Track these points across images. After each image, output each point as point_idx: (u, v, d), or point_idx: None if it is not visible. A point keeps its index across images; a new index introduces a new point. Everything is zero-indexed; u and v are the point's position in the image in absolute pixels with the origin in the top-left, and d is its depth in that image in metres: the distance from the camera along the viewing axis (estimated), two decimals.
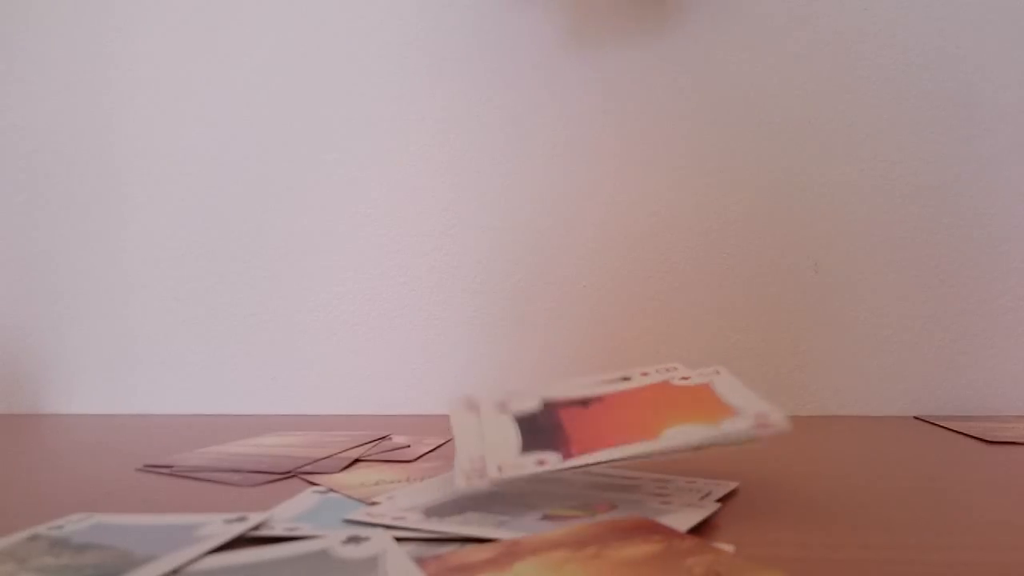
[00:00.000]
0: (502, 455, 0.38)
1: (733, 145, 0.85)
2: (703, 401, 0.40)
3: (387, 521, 0.36)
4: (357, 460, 0.54)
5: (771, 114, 0.85)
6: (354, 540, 0.31)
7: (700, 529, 0.34)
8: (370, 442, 0.62)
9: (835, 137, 0.84)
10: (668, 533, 0.31)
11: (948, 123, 0.83)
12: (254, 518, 0.35)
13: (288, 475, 0.49)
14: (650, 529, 0.32)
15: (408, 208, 0.88)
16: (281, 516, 0.37)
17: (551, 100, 0.87)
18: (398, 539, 0.32)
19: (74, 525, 0.35)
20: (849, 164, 0.84)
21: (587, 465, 0.37)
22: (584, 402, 0.44)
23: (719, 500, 0.39)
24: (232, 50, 0.91)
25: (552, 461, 0.37)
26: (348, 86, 0.90)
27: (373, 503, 0.39)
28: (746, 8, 0.86)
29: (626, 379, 0.46)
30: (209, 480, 0.49)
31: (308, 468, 0.50)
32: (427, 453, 0.58)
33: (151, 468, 0.53)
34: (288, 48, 0.91)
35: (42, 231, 0.92)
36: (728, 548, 0.30)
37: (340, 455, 0.55)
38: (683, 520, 0.34)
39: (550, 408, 0.44)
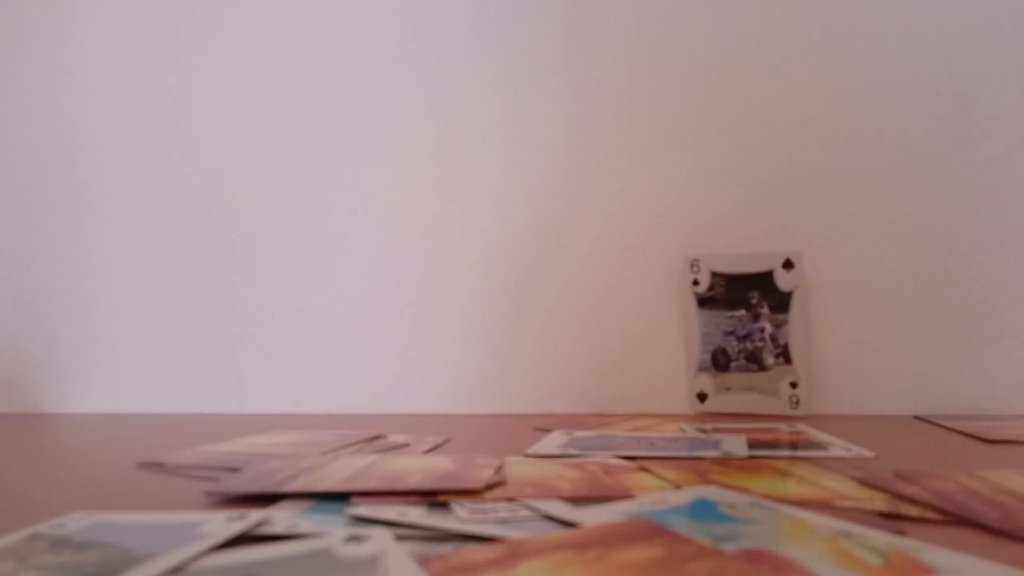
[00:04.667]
0: None
1: (732, 145, 0.85)
2: None
3: (390, 517, 0.36)
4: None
5: (771, 114, 0.85)
6: (355, 539, 0.31)
7: None
8: (364, 441, 0.62)
9: (834, 137, 0.84)
10: (671, 537, 0.31)
11: (948, 122, 0.83)
12: (254, 516, 0.35)
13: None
14: (653, 533, 0.32)
15: (407, 208, 0.88)
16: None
17: (551, 101, 0.87)
18: (399, 537, 0.32)
19: (75, 523, 0.35)
20: (848, 164, 0.84)
21: None
22: None
23: None
24: (231, 51, 0.91)
25: None
26: (347, 86, 0.89)
27: None
28: (746, 8, 0.86)
29: None
30: (201, 478, 0.49)
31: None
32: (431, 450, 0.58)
33: (145, 466, 0.53)
34: (287, 49, 0.90)
35: (41, 231, 0.92)
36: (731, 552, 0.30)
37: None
38: None
39: None
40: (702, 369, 0.81)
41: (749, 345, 0.80)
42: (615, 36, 0.87)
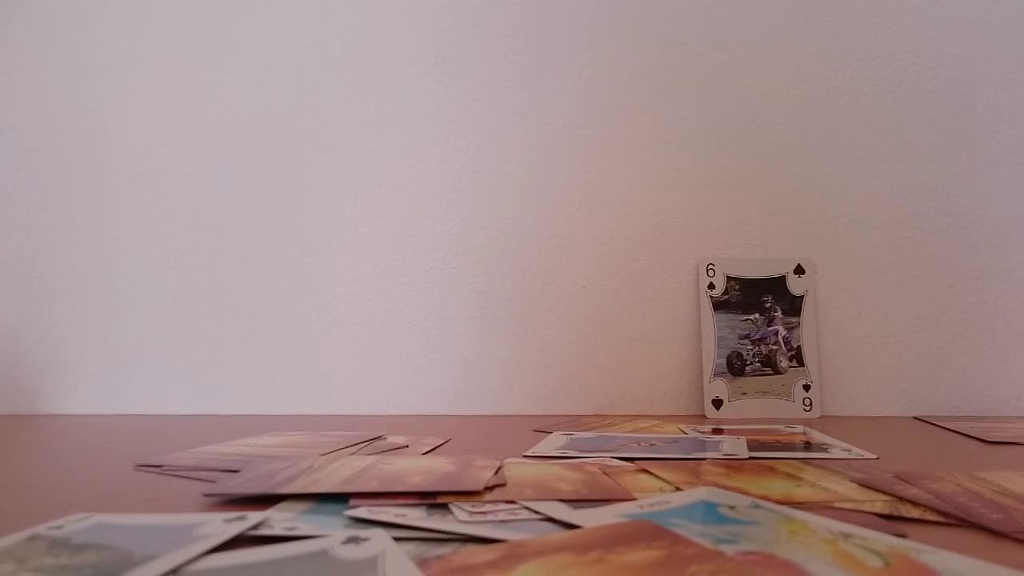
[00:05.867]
0: None
1: (734, 147, 0.85)
2: None
3: (388, 518, 0.35)
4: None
5: (771, 115, 0.85)
6: (354, 540, 0.31)
7: None
8: (364, 442, 0.62)
9: (835, 138, 0.84)
10: (672, 539, 0.31)
11: (948, 123, 0.83)
12: (253, 517, 0.35)
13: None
14: (654, 534, 0.31)
15: (408, 209, 0.88)
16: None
17: (554, 102, 0.87)
18: (398, 539, 0.32)
19: (73, 525, 0.35)
20: (849, 164, 0.84)
21: None
22: None
23: None
24: (230, 51, 0.91)
25: None
26: (348, 86, 0.89)
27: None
28: (745, 9, 0.86)
29: None
30: (200, 479, 0.48)
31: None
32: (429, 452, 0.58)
33: (143, 467, 0.53)
34: (287, 48, 0.90)
35: (40, 233, 0.92)
36: (731, 554, 0.30)
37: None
38: None
39: None
40: (717, 374, 0.81)
41: (763, 348, 0.80)
42: (628, 40, 0.87)
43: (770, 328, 0.81)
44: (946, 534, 0.34)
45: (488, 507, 0.38)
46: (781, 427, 0.70)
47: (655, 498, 0.39)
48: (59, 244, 0.92)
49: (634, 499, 0.39)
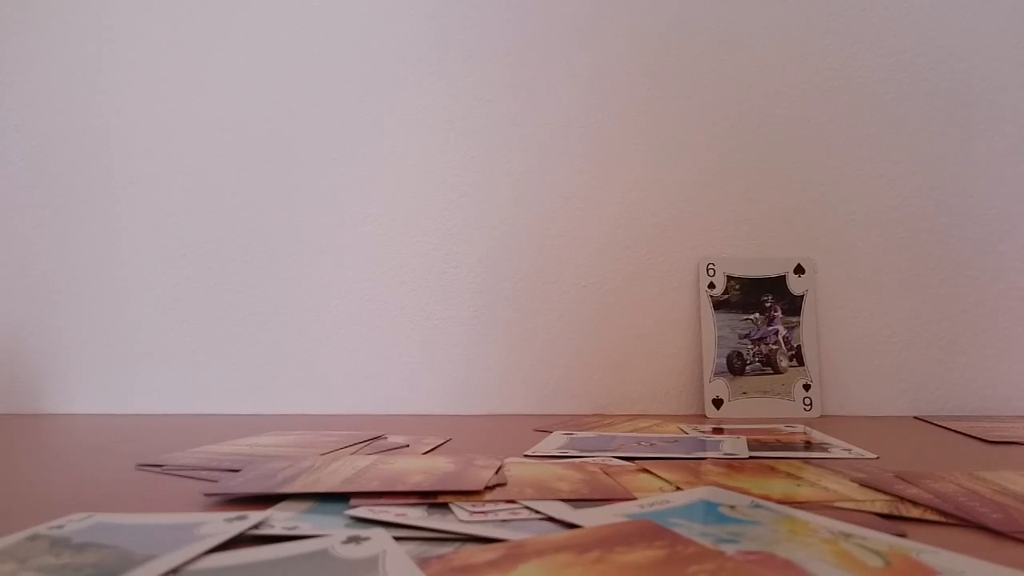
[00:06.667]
0: None
1: (734, 146, 0.85)
2: None
3: (389, 518, 0.35)
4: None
5: (771, 115, 0.85)
6: (354, 540, 0.31)
7: None
8: (364, 442, 0.62)
9: (835, 137, 0.84)
10: (672, 538, 0.31)
11: (947, 123, 0.83)
12: (254, 517, 0.35)
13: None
14: (654, 534, 0.31)
15: (408, 208, 0.88)
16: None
17: (554, 102, 0.87)
18: (399, 538, 0.32)
19: (74, 525, 0.35)
20: (849, 164, 0.84)
21: None
22: None
23: None
24: (231, 52, 0.91)
25: None
26: (349, 87, 0.89)
27: None
28: (745, 9, 0.86)
29: None
30: (200, 479, 0.48)
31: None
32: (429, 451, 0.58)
33: (144, 467, 0.53)
34: (287, 49, 0.90)
35: (42, 232, 0.92)
36: (731, 553, 0.30)
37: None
38: None
39: None
40: (718, 374, 0.81)
41: (764, 348, 0.81)
42: (628, 40, 0.87)
43: (770, 328, 0.81)
44: (946, 534, 0.34)
45: (488, 507, 0.38)
46: (781, 427, 0.70)
47: (655, 498, 0.39)
48: (61, 244, 0.92)
49: (634, 499, 0.39)
